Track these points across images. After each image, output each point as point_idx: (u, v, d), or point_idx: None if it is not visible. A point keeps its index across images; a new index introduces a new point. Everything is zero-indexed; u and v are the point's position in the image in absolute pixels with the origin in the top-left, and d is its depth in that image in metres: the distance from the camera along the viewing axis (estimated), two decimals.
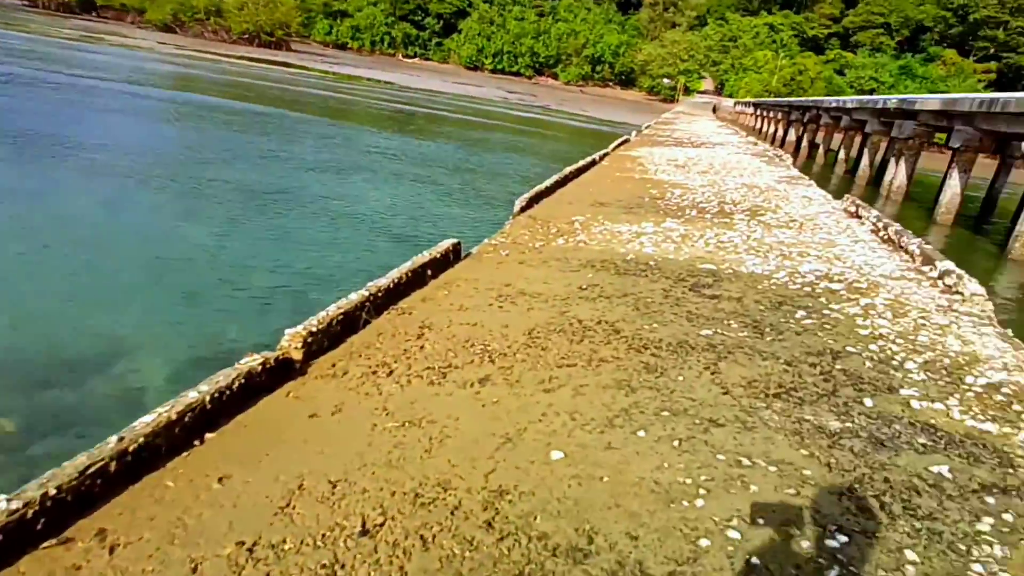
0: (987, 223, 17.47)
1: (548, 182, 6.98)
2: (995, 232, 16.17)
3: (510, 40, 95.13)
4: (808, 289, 4.03)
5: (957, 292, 4.11)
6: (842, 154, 24.73)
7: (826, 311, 3.64)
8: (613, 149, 13.07)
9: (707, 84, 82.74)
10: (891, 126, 19.78)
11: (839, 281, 4.25)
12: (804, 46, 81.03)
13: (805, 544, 1.71)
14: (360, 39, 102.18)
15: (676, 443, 2.15)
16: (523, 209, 5.79)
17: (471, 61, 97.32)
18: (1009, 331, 3.46)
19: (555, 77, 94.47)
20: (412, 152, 16.37)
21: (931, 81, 69.08)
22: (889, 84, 68.63)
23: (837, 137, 26.56)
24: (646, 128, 22.06)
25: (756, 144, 16.69)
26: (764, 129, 44.43)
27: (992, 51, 77.15)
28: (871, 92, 64.73)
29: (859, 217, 6.59)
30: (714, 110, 53.86)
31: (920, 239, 5.18)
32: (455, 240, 4.20)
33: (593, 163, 10.07)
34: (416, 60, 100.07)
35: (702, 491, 1.90)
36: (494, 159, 17.51)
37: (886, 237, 5.66)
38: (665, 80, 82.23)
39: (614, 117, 40.67)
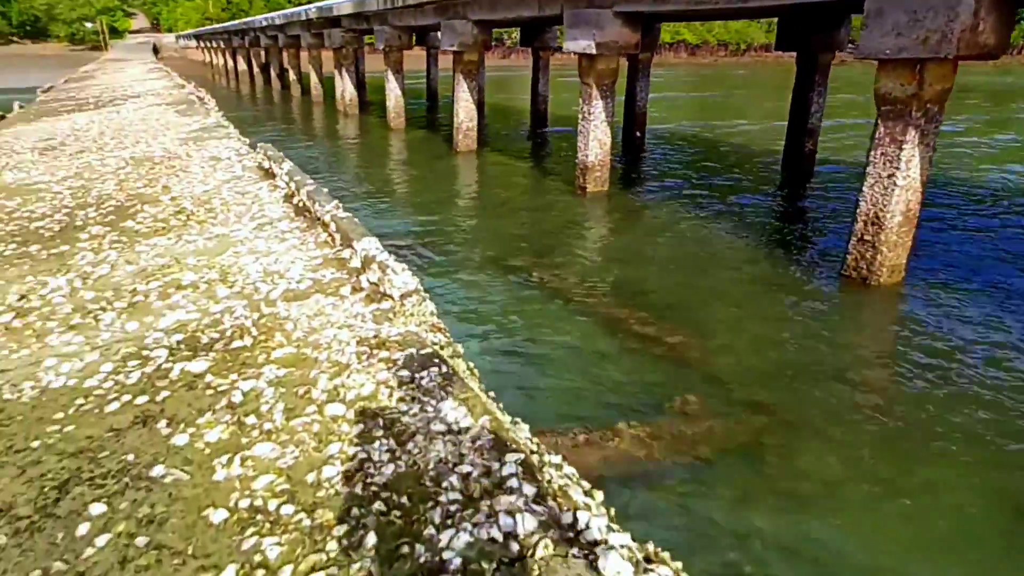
0: (435, 118, 18.44)
1: None
2: (443, 127, 17.03)
3: None
4: (132, 413, 2.06)
5: (384, 296, 2.69)
6: (291, 75, 23.48)
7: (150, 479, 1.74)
8: None
9: (140, 21, 72.02)
10: (323, 37, 19.05)
11: (208, 350, 2.40)
12: None
13: None
14: None
15: None
16: None
17: None
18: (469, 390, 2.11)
19: None
20: None
21: None
22: None
23: (288, 56, 25.10)
24: (43, 91, 16.77)
25: (183, 88, 13.83)
26: (216, 62, 40.63)
27: None
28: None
29: (273, 177, 4.92)
30: (155, 51, 46.85)
31: (335, 203, 3.71)
32: None
33: None
34: None
35: None
36: None
37: (301, 205, 4.08)
38: (87, 24, 68.39)
39: (21, 83, 31.26)
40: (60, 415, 2.00)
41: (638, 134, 13.90)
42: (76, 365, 2.31)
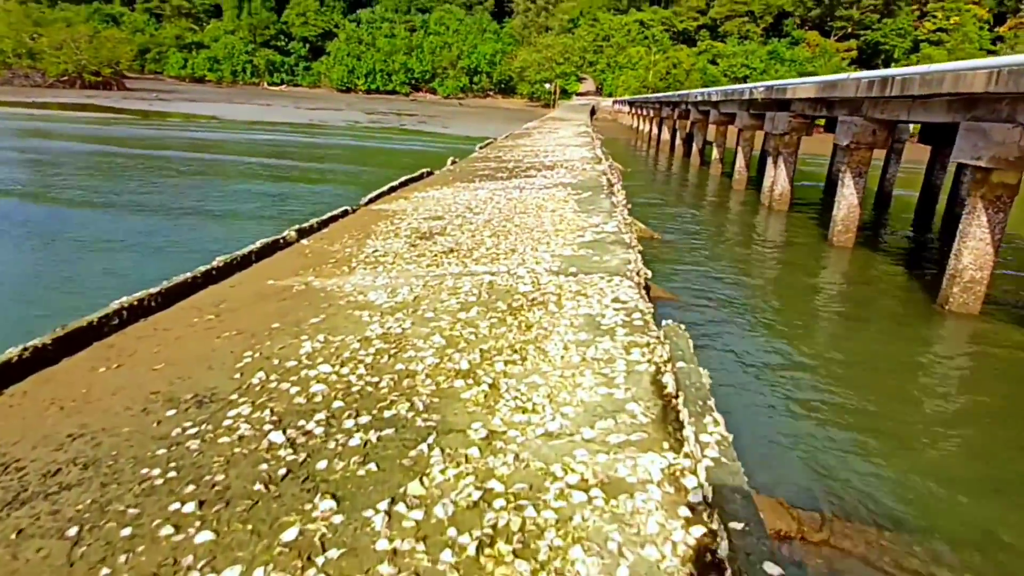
0: (885, 236, 14.20)
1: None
2: (898, 251, 12.85)
3: (381, 58, 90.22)
4: None
5: None
6: (715, 153, 21.41)
7: None
8: (377, 196, 8.62)
9: (587, 85, 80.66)
10: (763, 118, 16.43)
11: None
12: (675, 39, 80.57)
13: None
14: (219, 70, 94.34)
15: None
16: None
17: (343, 83, 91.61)
18: None
19: (433, 92, 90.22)
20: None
21: (799, 63, 69.73)
22: (760, 70, 68.64)
23: (714, 130, 23.31)
24: (482, 146, 17.85)
25: (599, 163, 12.68)
26: (641, 128, 41.69)
27: (849, 30, 79.34)
28: (744, 79, 64.21)
29: (668, 399, 2.36)
30: (592, 112, 50.87)
31: None
32: None
33: (276, 246, 5.57)
34: (283, 87, 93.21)
35: None
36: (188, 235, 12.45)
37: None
38: (546, 85, 79.59)
39: (480, 131, 36.45)
40: None
41: None
42: None
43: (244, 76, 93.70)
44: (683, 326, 3.46)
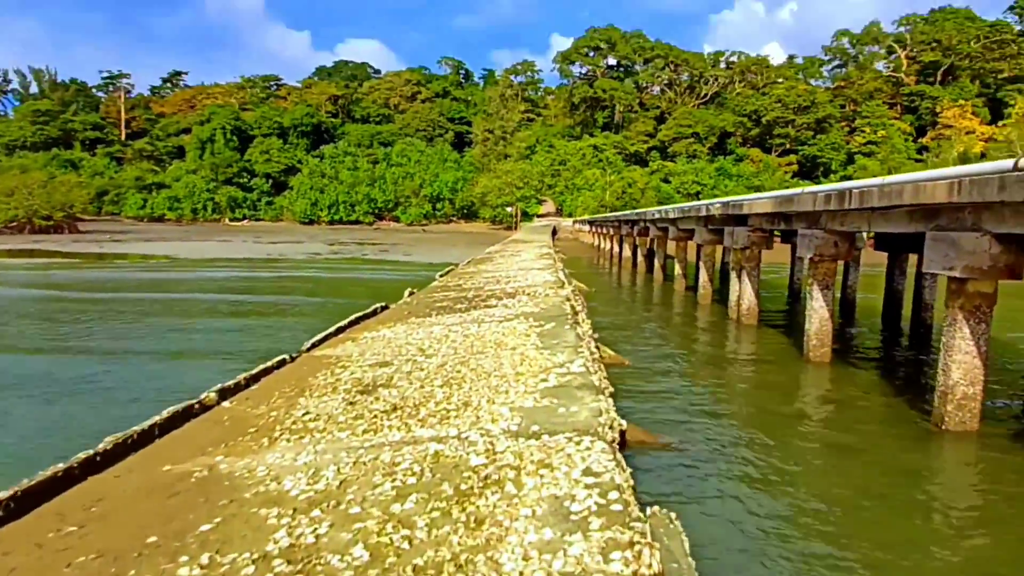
0: (858, 347, 13.92)
1: None
2: (876, 363, 12.50)
3: (344, 190, 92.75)
4: None
5: None
6: (678, 268, 21.47)
7: None
8: (323, 340, 7.90)
9: (548, 207, 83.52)
10: (721, 233, 16.53)
11: None
12: (628, 161, 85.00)
13: None
14: (179, 208, 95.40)
15: None
16: None
17: (306, 215, 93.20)
18: None
19: (397, 220, 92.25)
20: None
21: (745, 178, 73.80)
22: (711, 185, 72.35)
23: (674, 246, 23.53)
24: (442, 275, 17.49)
25: (562, 288, 12.30)
26: (602, 246, 42.50)
27: (788, 146, 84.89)
28: (697, 195, 67.37)
29: None
30: (554, 232, 52.03)
31: None
32: None
33: (188, 414, 4.74)
34: (244, 222, 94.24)
35: None
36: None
37: None
38: (508, 208, 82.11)
39: (443, 257, 36.54)
40: None
41: None
42: None
43: (205, 213, 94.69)
44: (674, 516, 2.72)
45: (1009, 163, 6.48)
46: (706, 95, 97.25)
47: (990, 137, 63.57)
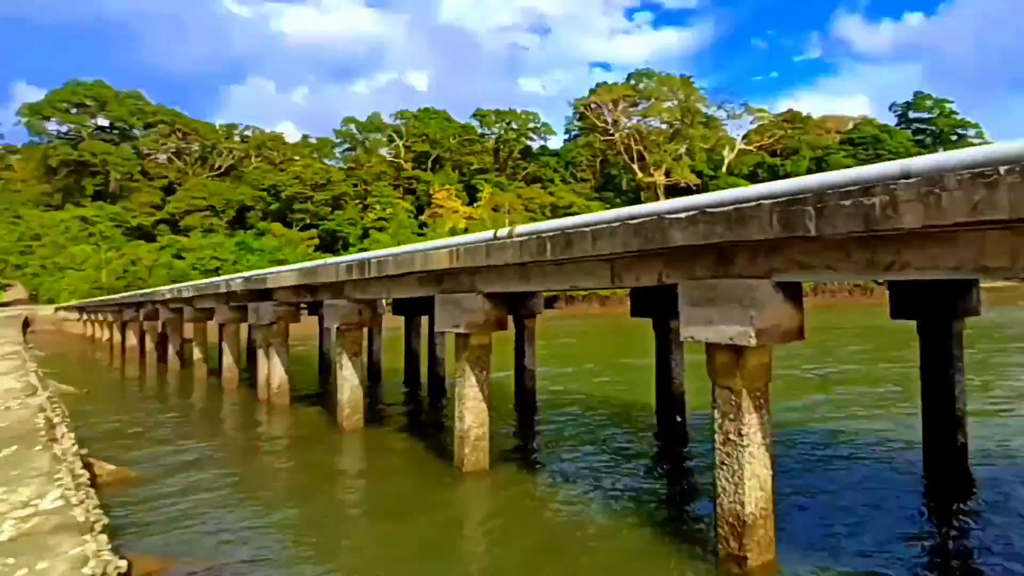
0: (388, 409, 14.68)
1: None
2: (405, 421, 13.32)
3: None
4: None
5: None
6: (197, 352, 19.30)
7: None
8: None
9: (15, 292, 66.44)
10: (246, 310, 15.50)
11: None
12: (130, 235, 75.21)
13: None
14: None
15: None
16: None
17: None
18: None
19: None
20: None
21: (269, 252, 73.30)
22: (232, 260, 69.31)
23: (192, 328, 21.06)
24: None
25: (34, 394, 9.38)
26: (98, 336, 35.88)
27: (308, 220, 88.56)
28: (217, 271, 63.48)
29: None
30: (25, 325, 41.33)
31: None
32: None
33: None
34: None
35: None
36: None
37: None
38: None
39: None
40: None
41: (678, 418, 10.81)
42: None
43: None
44: None
45: (489, 234, 7.56)
46: (220, 167, 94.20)
47: (469, 216, 79.39)
